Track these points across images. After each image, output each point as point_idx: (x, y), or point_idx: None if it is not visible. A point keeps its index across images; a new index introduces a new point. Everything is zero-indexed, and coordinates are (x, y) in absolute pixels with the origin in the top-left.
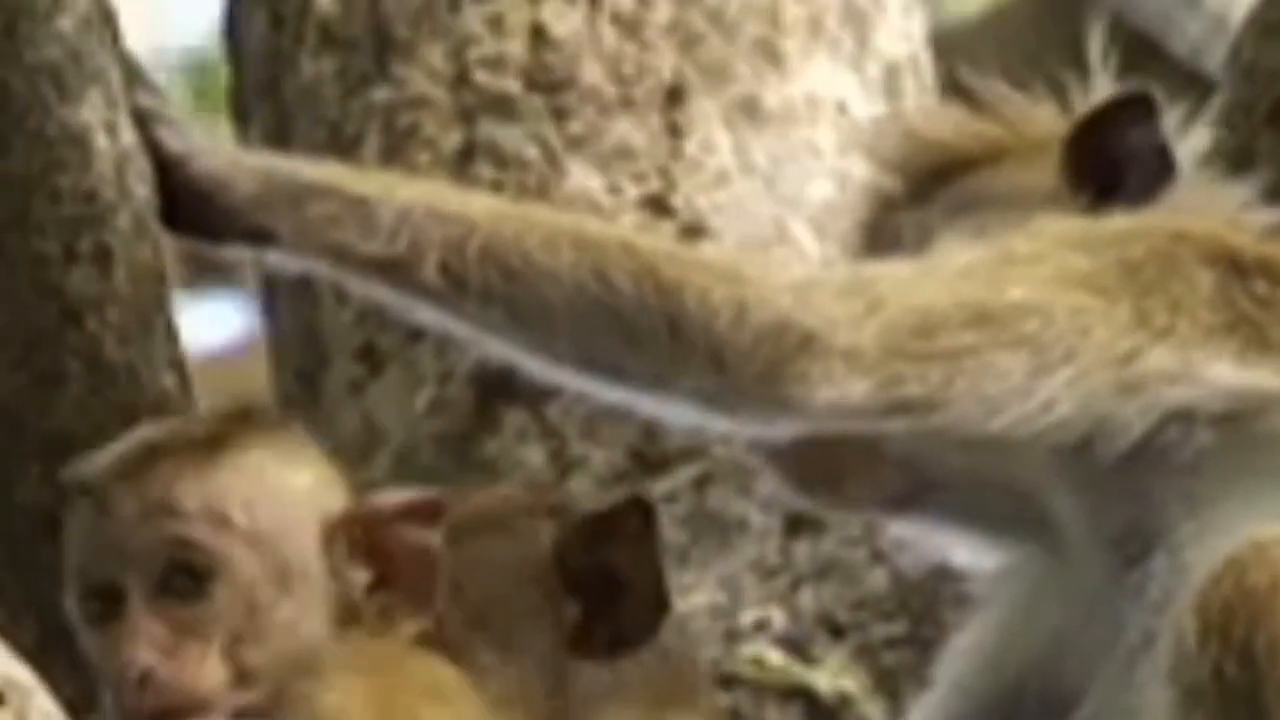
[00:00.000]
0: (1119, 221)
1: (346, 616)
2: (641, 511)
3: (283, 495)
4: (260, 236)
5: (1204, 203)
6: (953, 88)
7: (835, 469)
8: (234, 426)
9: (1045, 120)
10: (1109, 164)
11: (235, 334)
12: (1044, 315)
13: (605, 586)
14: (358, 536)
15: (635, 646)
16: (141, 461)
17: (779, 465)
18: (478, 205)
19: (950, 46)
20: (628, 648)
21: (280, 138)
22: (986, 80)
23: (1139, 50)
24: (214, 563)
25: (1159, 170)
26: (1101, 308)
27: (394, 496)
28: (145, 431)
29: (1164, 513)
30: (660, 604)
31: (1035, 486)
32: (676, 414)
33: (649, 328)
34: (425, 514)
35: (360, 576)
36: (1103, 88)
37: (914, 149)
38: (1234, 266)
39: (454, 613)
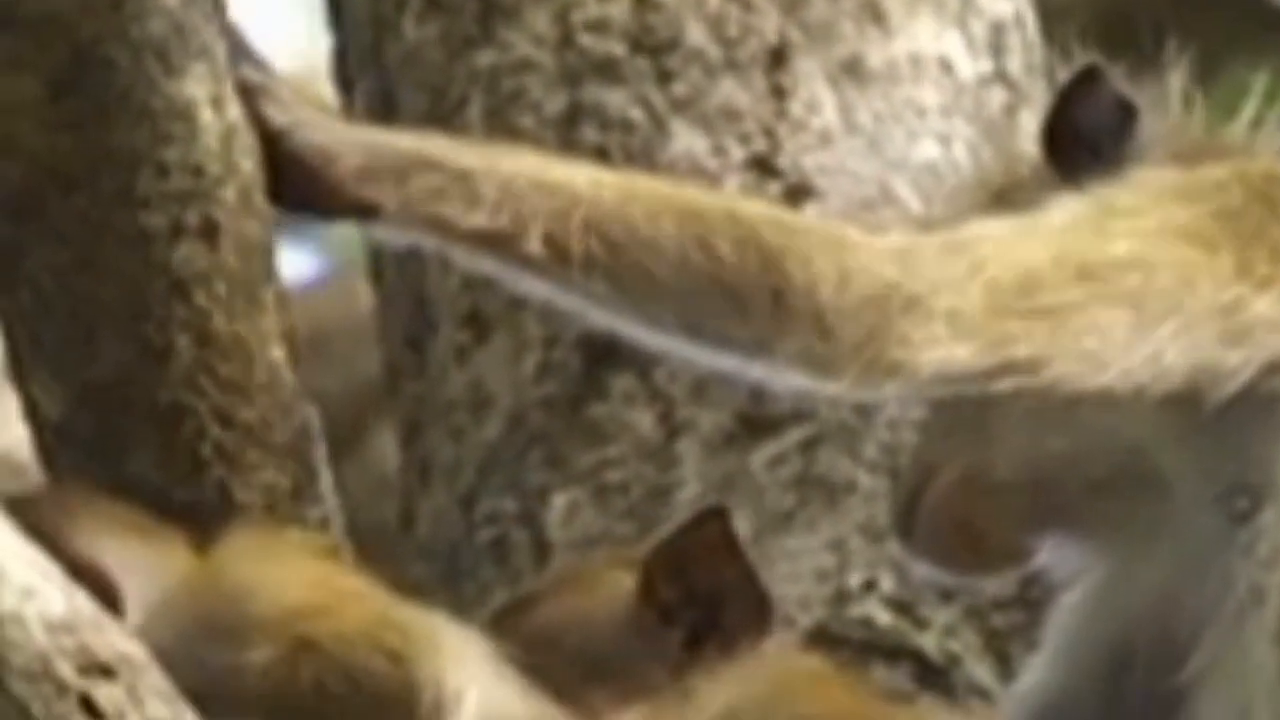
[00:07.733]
0: (1216, 169)
1: None
2: (716, 520)
3: None
4: (366, 210)
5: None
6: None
7: (974, 531)
8: None
9: None
10: (1084, 140)
11: (312, 271)
12: (1146, 269)
13: (703, 605)
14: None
15: (749, 647)
16: None
17: (917, 548)
18: (581, 176)
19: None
20: (742, 650)
21: (384, 103)
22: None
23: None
24: None
25: (1125, 122)
26: (1204, 259)
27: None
28: None
29: (1272, 466)
30: (762, 601)
31: (1143, 442)
32: (781, 380)
33: (753, 296)
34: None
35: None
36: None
37: None
38: None
39: (559, 673)
